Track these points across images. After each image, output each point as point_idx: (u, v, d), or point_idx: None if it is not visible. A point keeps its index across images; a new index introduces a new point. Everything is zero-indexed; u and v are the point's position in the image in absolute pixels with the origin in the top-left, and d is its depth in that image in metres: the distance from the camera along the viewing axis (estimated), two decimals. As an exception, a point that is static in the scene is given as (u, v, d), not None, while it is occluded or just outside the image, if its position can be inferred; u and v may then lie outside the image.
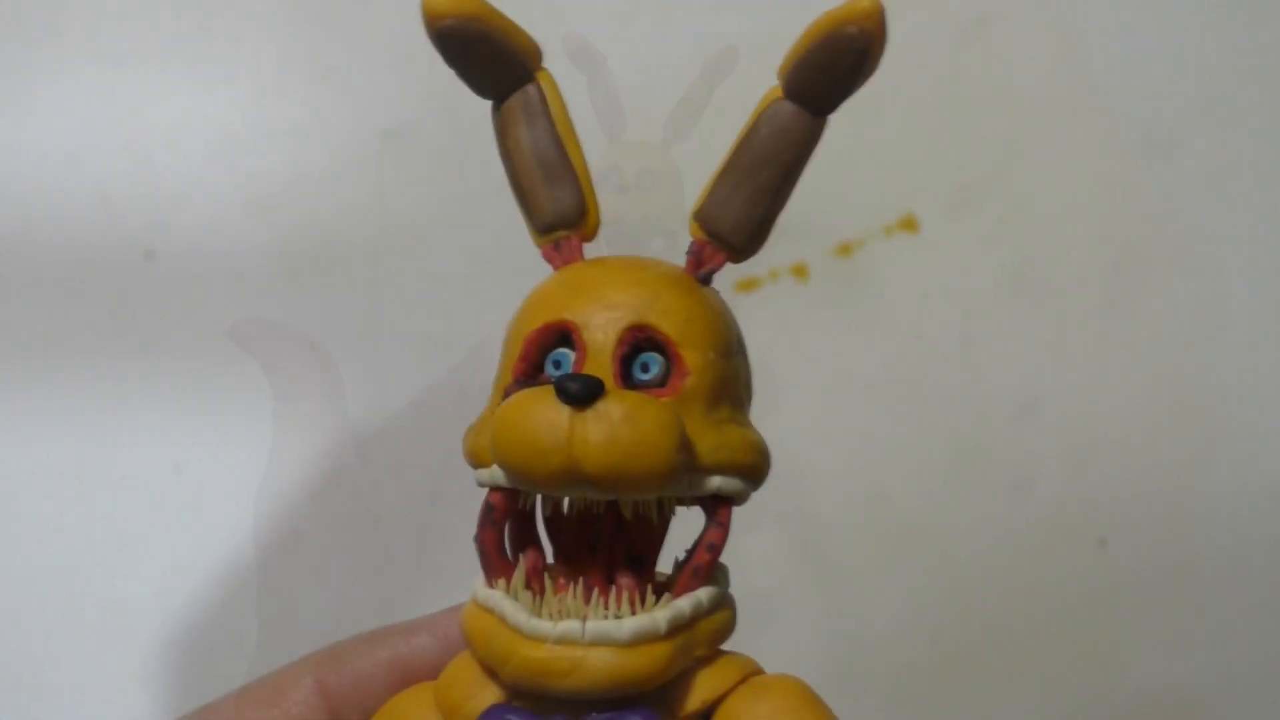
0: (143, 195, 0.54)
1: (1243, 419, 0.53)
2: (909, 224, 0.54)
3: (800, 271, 0.53)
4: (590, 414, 0.23)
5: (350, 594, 0.52)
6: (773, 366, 0.53)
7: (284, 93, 0.55)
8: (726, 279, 0.53)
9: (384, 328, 0.54)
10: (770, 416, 0.54)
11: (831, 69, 0.25)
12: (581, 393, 0.23)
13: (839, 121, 0.60)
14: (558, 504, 0.26)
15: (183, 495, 0.52)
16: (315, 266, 0.54)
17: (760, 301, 0.53)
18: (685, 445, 0.24)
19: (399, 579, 0.52)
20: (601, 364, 0.25)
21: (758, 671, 0.26)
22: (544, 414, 0.24)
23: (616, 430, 0.23)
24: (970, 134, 0.54)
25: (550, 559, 0.26)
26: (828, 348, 0.53)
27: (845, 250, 0.54)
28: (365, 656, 0.31)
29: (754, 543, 0.52)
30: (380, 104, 0.55)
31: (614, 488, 0.24)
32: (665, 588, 0.25)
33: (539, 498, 0.26)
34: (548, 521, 0.26)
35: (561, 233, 0.27)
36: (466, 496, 0.56)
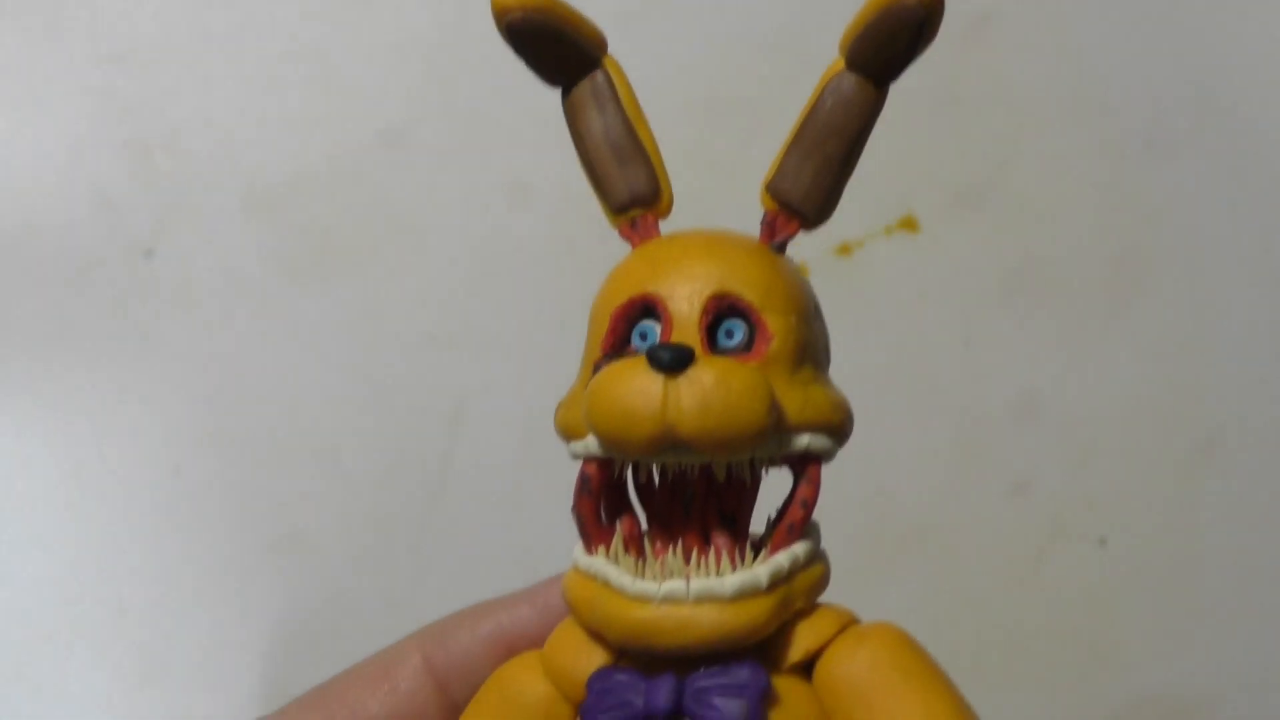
0: (143, 195, 0.54)
1: (1242, 419, 0.53)
2: (909, 224, 0.54)
3: (800, 271, 0.53)
4: (683, 380, 0.24)
5: (350, 593, 0.52)
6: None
7: (284, 93, 0.55)
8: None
9: (384, 328, 0.54)
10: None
11: (892, 40, 0.26)
12: (673, 360, 0.24)
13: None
14: (649, 471, 0.27)
15: (183, 495, 0.52)
16: (315, 266, 0.54)
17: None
18: (774, 406, 0.25)
19: (399, 579, 0.52)
20: (688, 333, 0.26)
21: (855, 621, 0.27)
22: (638, 383, 0.24)
23: (709, 394, 0.24)
24: (970, 134, 0.54)
25: (644, 525, 0.27)
26: (828, 348, 0.53)
27: (845, 250, 0.54)
28: (468, 631, 0.31)
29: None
30: (380, 104, 0.55)
31: (709, 450, 0.25)
32: (759, 545, 0.26)
33: (630, 467, 0.27)
34: (639, 489, 0.27)
35: (636, 211, 0.28)
36: (467, 495, 0.56)
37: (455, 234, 0.54)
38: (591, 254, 0.29)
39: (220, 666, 0.51)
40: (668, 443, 0.24)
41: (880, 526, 0.52)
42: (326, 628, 0.52)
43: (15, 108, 0.55)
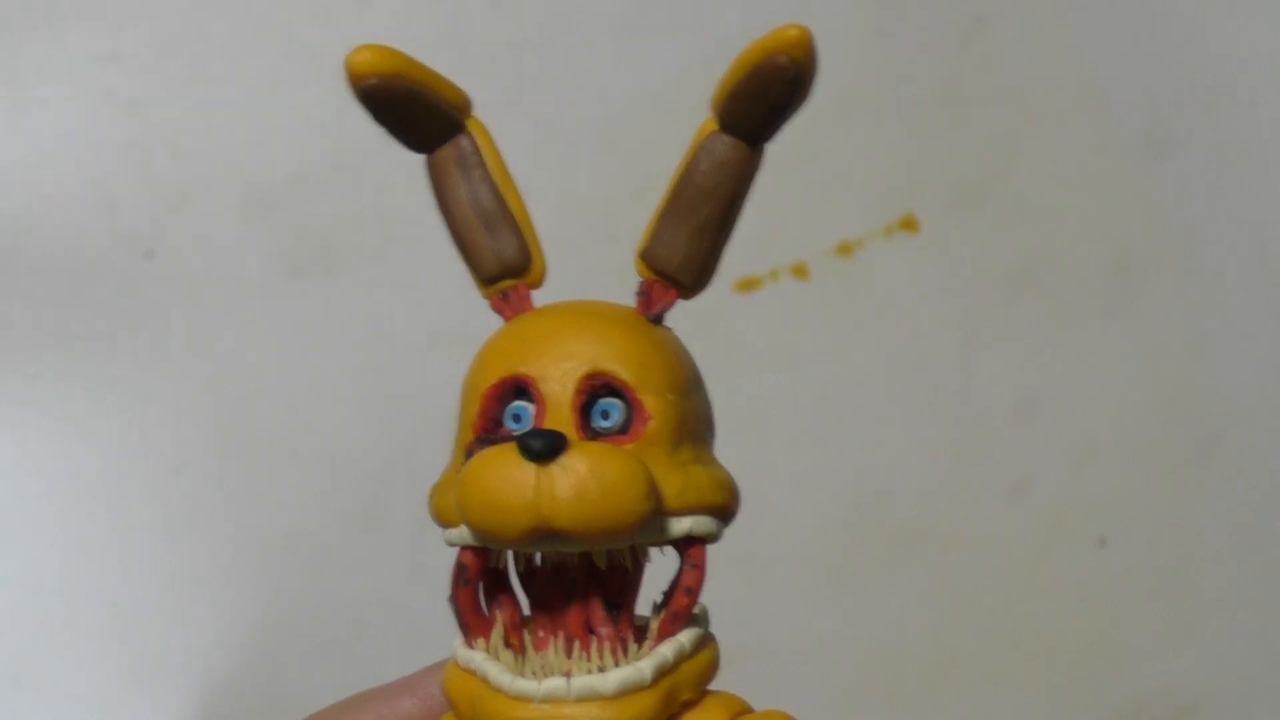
0: (143, 195, 0.54)
1: (1242, 420, 0.53)
2: (909, 224, 0.54)
3: (800, 271, 0.53)
4: (556, 469, 0.23)
5: (350, 593, 0.52)
6: (773, 367, 0.53)
7: (284, 93, 0.55)
8: (725, 279, 0.54)
9: (384, 328, 0.54)
10: (771, 416, 0.54)
11: (764, 99, 0.25)
12: (545, 449, 0.23)
13: (839, 121, 0.60)
14: (529, 556, 0.26)
15: (183, 495, 0.52)
16: (315, 266, 0.54)
17: (760, 301, 0.53)
18: (653, 492, 0.24)
19: (399, 579, 0.52)
20: (561, 416, 0.25)
21: (745, 710, 0.26)
22: (509, 473, 0.24)
23: (584, 483, 0.23)
24: (970, 134, 0.54)
25: (526, 611, 0.26)
26: (828, 348, 0.53)
27: (845, 250, 0.54)
28: None
29: (754, 542, 0.52)
30: (380, 104, 0.55)
31: (586, 540, 0.24)
32: (645, 632, 0.25)
33: (510, 553, 0.26)
34: (521, 574, 0.26)
35: (508, 282, 0.28)
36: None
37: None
38: (593, 255, 0.28)
39: (219, 667, 0.51)
40: (543, 535, 0.24)
41: (880, 526, 0.52)
42: (327, 628, 0.52)
43: (15, 108, 0.55)
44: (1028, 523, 0.52)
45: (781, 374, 0.53)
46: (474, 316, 0.29)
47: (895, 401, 0.53)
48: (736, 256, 0.59)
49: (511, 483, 0.23)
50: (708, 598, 0.26)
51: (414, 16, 0.55)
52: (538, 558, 0.26)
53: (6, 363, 0.53)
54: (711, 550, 0.26)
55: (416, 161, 0.56)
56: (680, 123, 0.26)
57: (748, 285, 0.53)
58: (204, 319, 0.54)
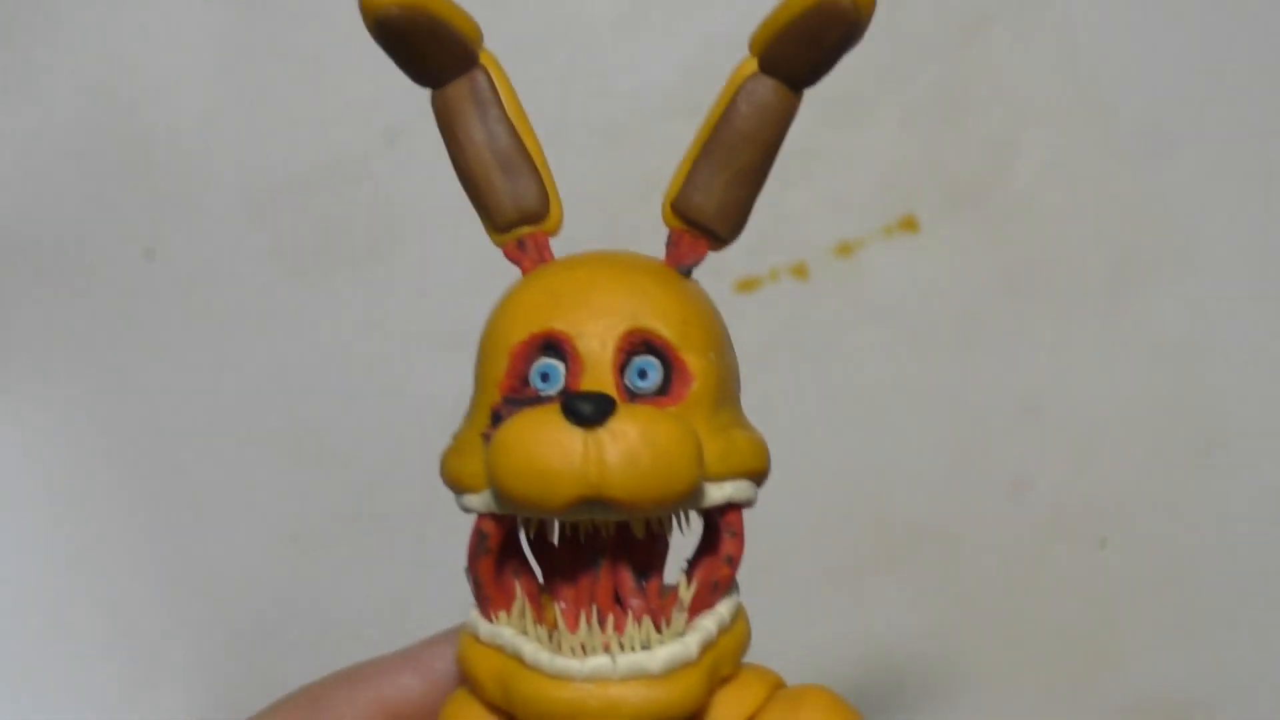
0: (143, 195, 0.54)
1: (1243, 419, 0.53)
2: (909, 224, 0.54)
3: (800, 271, 0.53)
4: (605, 434, 0.22)
5: (350, 594, 0.52)
6: (773, 367, 0.53)
7: (284, 92, 0.55)
8: (726, 279, 0.54)
9: (384, 328, 0.54)
10: (770, 416, 0.54)
11: (818, 43, 0.24)
12: (595, 413, 0.22)
13: (839, 122, 0.60)
14: (546, 523, 0.25)
15: (182, 495, 0.52)
16: (315, 266, 0.54)
17: (760, 301, 0.53)
18: (702, 457, 0.23)
19: (399, 579, 0.52)
20: (600, 375, 0.24)
21: (781, 684, 0.25)
22: (555, 438, 0.22)
23: (635, 450, 0.22)
24: (970, 134, 0.54)
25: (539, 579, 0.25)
26: (828, 348, 0.53)
27: (845, 250, 0.54)
28: (345, 701, 0.28)
29: (752, 541, 0.52)
30: (380, 103, 0.55)
31: (635, 508, 0.23)
32: (673, 602, 0.24)
33: (529, 521, 0.24)
34: (531, 540, 0.25)
35: (525, 229, 0.26)
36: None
37: (456, 233, 0.54)
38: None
39: (220, 667, 0.51)
40: (591, 503, 0.22)
41: (880, 526, 0.52)
42: (328, 628, 0.52)
43: (15, 108, 0.55)
44: (1028, 523, 0.52)
45: (781, 374, 0.53)
46: (475, 316, 0.29)
47: (895, 401, 0.53)
48: (736, 256, 0.59)
49: (558, 449, 0.22)
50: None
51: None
52: (556, 525, 0.24)
53: (6, 362, 0.53)
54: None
55: (418, 161, 0.56)
56: (682, 123, 0.26)
57: (748, 285, 0.53)
58: (204, 319, 0.54)
